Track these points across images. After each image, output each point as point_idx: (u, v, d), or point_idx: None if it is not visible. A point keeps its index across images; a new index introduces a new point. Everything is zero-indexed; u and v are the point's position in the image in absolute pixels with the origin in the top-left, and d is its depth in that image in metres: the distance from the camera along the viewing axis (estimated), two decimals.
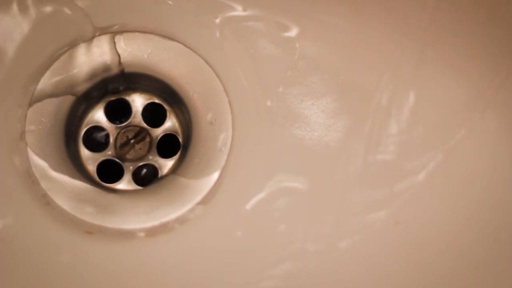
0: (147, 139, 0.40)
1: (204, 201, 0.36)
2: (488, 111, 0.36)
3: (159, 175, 0.40)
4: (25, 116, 0.36)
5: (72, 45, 0.36)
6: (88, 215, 0.35)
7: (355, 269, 0.36)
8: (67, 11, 0.36)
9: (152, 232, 0.36)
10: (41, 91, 0.36)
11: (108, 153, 0.40)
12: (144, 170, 0.40)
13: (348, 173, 0.36)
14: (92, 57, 0.37)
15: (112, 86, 0.39)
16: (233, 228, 0.36)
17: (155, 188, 0.37)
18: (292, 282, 0.35)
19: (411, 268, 0.36)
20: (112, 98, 0.40)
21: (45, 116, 0.36)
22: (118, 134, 0.40)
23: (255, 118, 0.37)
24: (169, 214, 0.36)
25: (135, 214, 0.36)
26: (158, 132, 0.40)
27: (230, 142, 0.37)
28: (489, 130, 0.36)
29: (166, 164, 0.40)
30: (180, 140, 0.40)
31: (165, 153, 0.40)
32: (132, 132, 0.40)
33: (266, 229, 0.36)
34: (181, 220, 0.36)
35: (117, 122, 0.40)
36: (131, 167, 0.40)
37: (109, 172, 0.39)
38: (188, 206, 0.36)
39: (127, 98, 0.40)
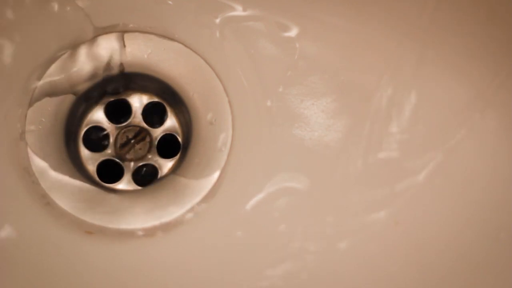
0: (147, 139, 0.40)
1: (204, 201, 0.36)
2: (488, 111, 0.36)
3: (159, 175, 0.40)
4: (25, 116, 0.36)
5: (72, 45, 0.36)
6: (88, 215, 0.35)
7: (355, 269, 0.36)
8: (67, 11, 0.36)
9: (152, 232, 0.35)
10: (41, 91, 0.36)
11: (108, 153, 0.40)
12: (144, 170, 0.40)
13: (348, 173, 0.36)
14: (92, 57, 0.37)
15: (112, 86, 0.39)
16: (233, 228, 0.36)
17: (155, 188, 0.37)
18: (292, 282, 0.35)
19: (411, 268, 0.36)
20: (112, 98, 0.40)
21: (45, 116, 0.36)
22: (118, 134, 0.40)
23: (255, 118, 0.37)
24: (169, 214, 0.36)
25: (135, 214, 0.36)
26: (158, 132, 0.40)
27: (230, 142, 0.37)
28: (489, 130, 0.36)
29: (166, 164, 0.40)
30: (180, 140, 0.40)
31: (165, 153, 0.40)
32: (132, 132, 0.40)
33: (266, 229, 0.36)
34: (181, 220, 0.36)
35: (117, 122, 0.40)
36: (131, 167, 0.40)
37: (109, 172, 0.39)
38: (188, 206, 0.36)
39: (127, 98, 0.40)
